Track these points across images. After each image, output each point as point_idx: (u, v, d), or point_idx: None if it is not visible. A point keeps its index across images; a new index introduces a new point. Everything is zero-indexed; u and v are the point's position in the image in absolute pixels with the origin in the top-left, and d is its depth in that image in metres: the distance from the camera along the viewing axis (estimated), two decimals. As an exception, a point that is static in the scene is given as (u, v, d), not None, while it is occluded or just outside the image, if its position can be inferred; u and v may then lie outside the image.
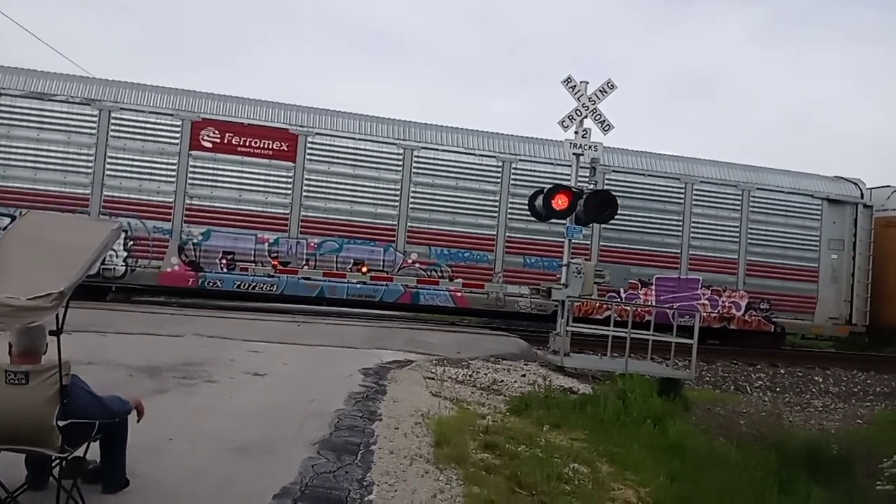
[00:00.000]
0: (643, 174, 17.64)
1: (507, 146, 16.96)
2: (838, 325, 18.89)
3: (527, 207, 14.17)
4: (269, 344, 10.34)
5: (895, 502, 7.02)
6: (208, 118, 15.47)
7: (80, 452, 4.04)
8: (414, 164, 16.30)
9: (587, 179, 13.06)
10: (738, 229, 18.13)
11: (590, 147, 12.73)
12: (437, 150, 16.48)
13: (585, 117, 12.67)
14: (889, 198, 19.79)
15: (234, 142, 15.51)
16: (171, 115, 15.36)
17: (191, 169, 15.29)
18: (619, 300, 16.63)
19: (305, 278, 15.45)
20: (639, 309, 15.98)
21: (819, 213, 18.63)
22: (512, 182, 16.76)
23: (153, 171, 15.22)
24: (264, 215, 15.51)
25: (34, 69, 15.58)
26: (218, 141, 15.44)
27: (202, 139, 15.39)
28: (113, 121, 15.16)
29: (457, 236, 16.46)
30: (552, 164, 16.76)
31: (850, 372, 16.69)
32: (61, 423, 3.71)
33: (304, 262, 15.51)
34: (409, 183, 16.23)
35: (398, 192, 16.18)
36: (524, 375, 10.74)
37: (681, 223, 17.79)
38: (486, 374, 10.43)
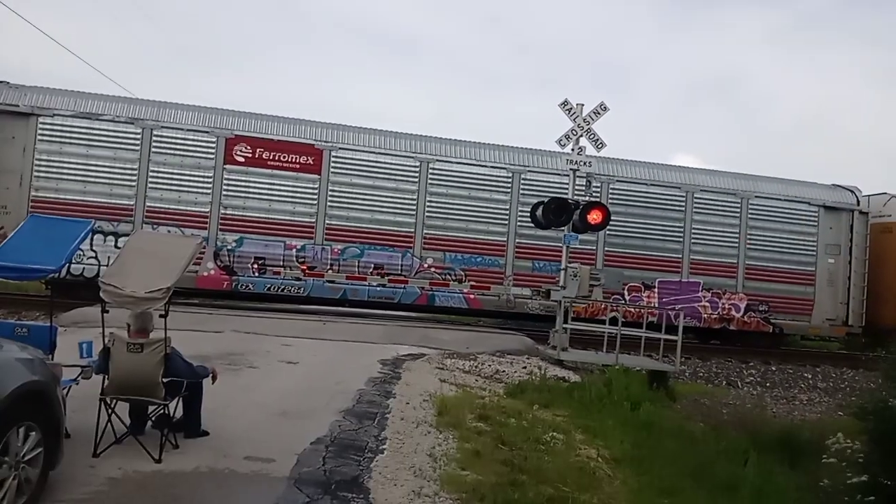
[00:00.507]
0: (646, 184, 18.79)
1: (516, 158, 18.23)
2: (835, 326, 19.84)
3: (536, 216, 15.38)
4: (298, 339, 11.75)
5: (835, 471, 8.13)
6: (241, 135, 16.94)
7: (171, 406, 5.48)
8: (430, 176, 17.64)
9: (583, 191, 14.33)
10: (737, 235, 19.18)
11: (585, 163, 14.05)
12: (451, 162, 17.81)
13: (581, 136, 13.99)
14: (885, 204, 20.70)
15: (264, 156, 16.97)
16: (207, 132, 16.85)
17: (225, 181, 16.76)
18: (623, 301, 17.77)
19: (330, 281, 16.85)
20: (639, 310, 17.15)
21: (816, 219, 19.61)
22: (521, 191, 18.00)
23: (191, 183, 16.69)
24: (292, 224, 16.95)
25: (83, 91, 17.15)
26: (250, 156, 16.90)
27: (235, 154, 16.86)
28: (154, 138, 16.66)
29: (470, 242, 17.76)
30: (558, 174, 17.97)
31: (840, 369, 17.71)
32: (164, 381, 5.16)
33: (328, 267, 16.92)
34: (425, 193, 17.57)
35: (415, 202, 17.52)
36: (525, 367, 12.02)
37: (682, 230, 18.90)
38: (490, 365, 11.74)
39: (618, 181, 18.51)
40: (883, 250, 20.04)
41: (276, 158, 16.99)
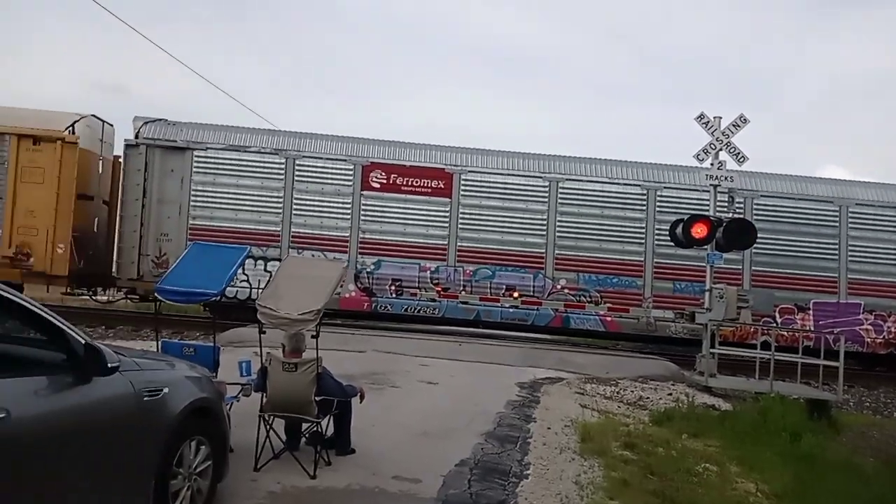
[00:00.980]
0: (793, 198, 17.60)
1: (651, 174, 17.64)
2: None
3: (674, 234, 14.80)
4: (436, 359, 11.90)
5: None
6: (376, 162, 17.54)
7: (323, 423, 5.67)
8: (559, 195, 17.42)
9: (725, 208, 13.61)
10: (903, 252, 17.53)
11: (726, 178, 13.35)
12: (581, 181, 17.51)
13: (720, 150, 13.32)
14: None
15: (398, 182, 17.47)
16: (345, 160, 17.57)
17: (362, 207, 17.38)
18: (775, 325, 16.65)
19: (463, 302, 16.99)
20: (793, 333, 16.00)
21: None
22: (658, 209, 17.38)
23: (331, 209, 17.45)
24: (426, 246, 17.28)
25: (232, 125, 18.43)
26: (385, 181, 17.45)
27: (371, 180, 17.46)
28: (297, 167, 17.56)
29: (604, 262, 17.31)
30: (697, 190, 17.21)
31: None
32: (317, 399, 5.37)
33: (461, 288, 17.08)
34: (555, 213, 17.37)
35: (545, 222, 17.35)
36: (670, 394, 11.48)
37: (837, 247, 17.52)
38: (632, 391, 11.32)
39: (762, 196, 17.45)
40: None
41: (409, 183, 17.42)
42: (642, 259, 17.30)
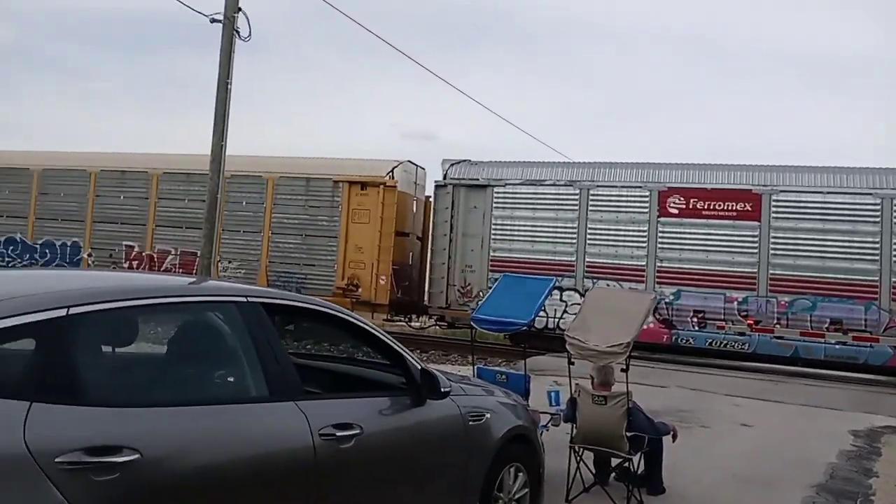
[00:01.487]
0: None
1: None
2: None
3: None
4: (748, 399, 10.95)
5: None
6: (673, 186, 16.86)
7: (634, 460, 5.54)
8: (896, 214, 15.07)
9: None
10: None
11: None
12: (927, 196, 14.95)
13: None
14: None
15: (698, 206, 16.56)
16: (640, 186, 17.18)
17: (660, 234, 16.78)
18: None
19: (778, 337, 15.41)
20: None
21: None
22: None
23: (626, 238, 17.15)
24: (731, 274, 16.08)
25: (527, 160, 19.19)
26: (683, 207, 16.68)
27: (668, 206, 16.81)
28: (591, 197, 17.61)
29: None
30: None
31: None
32: (628, 434, 5.26)
33: (774, 321, 15.54)
34: (890, 235, 15.05)
35: (877, 246, 15.11)
36: None
37: None
38: None
39: None
40: None
41: (711, 207, 16.44)
42: None
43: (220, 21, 12.89)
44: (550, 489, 5.46)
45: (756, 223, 16.04)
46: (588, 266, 17.35)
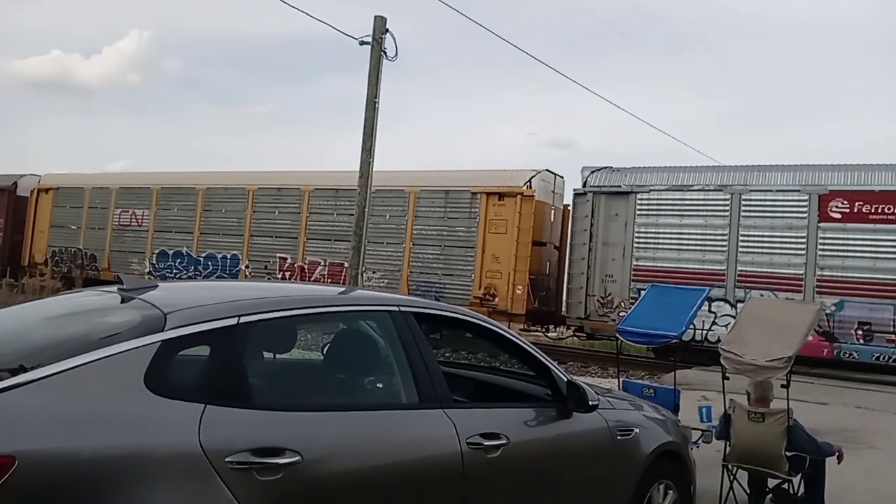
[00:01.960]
0: None
1: None
2: None
3: None
4: (925, 421, 9.91)
5: None
6: (836, 189, 15.61)
7: (794, 482, 5.18)
8: None
9: None
10: None
11: None
12: None
13: None
14: None
15: (864, 210, 15.26)
16: (798, 190, 16.04)
17: (820, 241, 15.60)
18: None
19: (958, 353, 13.85)
20: None
21: None
22: None
23: (782, 245, 16.06)
24: (901, 284, 14.67)
25: (672, 165, 18.44)
26: (847, 211, 15.42)
27: (830, 211, 15.60)
28: (743, 202, 16.63)
29: None
30: None
31: None
32: (787, 454, 4.94)
33: (956, 335, 13.99)
34: None
35: None
36: None
37: None
38: None
39: None
40: None
41: (880, 211, 15.09)
42: None
43: (368, 43, 13.48)
44: (701, 508, 5.23)
45: (931, 227, 14.55)
46: (740, 275, 16.44)
